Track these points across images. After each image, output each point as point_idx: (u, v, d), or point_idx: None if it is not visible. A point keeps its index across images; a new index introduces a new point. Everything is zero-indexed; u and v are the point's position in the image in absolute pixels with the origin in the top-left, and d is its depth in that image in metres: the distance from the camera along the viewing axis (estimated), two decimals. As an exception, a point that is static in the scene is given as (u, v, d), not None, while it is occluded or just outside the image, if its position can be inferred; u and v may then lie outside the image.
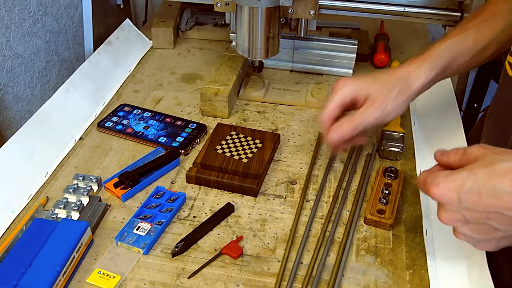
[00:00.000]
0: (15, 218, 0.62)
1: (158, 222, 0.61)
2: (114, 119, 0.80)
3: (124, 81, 0.92)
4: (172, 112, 0.82)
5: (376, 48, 0.98)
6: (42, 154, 0.71)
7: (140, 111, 0.82)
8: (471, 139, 0.75)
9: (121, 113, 0.81)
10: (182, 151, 0.73)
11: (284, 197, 0.66)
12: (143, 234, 0.59)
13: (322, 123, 0.62)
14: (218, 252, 0.58)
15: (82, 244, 0.56)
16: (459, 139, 0.72)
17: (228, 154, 0.69)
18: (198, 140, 0.76)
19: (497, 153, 0.44)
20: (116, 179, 0.67)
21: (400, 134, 0.75)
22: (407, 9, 0.86)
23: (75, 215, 0.61)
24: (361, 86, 0.60)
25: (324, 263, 0.57)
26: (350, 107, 0.62)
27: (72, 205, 0.62)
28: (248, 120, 0.82)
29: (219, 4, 0.81)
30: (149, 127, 0.78)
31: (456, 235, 0.48)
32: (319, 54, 0.93)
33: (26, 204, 0.64)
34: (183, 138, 0.76)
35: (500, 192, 0.42)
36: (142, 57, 1.00)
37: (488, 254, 0.53)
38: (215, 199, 0.66)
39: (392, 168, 0.68)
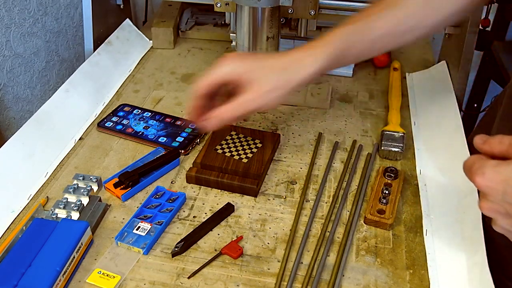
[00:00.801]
0: (15, 218, 0.62)
1: (158, 222, 0.61)
2: (114, 119, 0.80)
3: (124, 81, 0.92)
4: (172, 112, 0.82)
5: (376, 48, 0.98)
6: (42, 154, 0.71)
7: (140, 111, 0.82)
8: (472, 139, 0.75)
9: (121, 113, 0.81)
10: (182, 151, 0.73)
11: (284, 197, 0.66)
12: (143, 234, 0.59)
13: (194, 95, 0.59)
14: (218, 252, 0.58)
15: (82, 244, 0.56)
16: (459, 139, 0.71)
17: (228, 154, 0.69)
18: (198, 140, 0.76)
19: None
20: (116, 179, 0.67)
21: (400, 134, 0.75)
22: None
23: (75, 215, 0.61)
24: (246, 68, 0.57)
25: (324, 263, 0.57)
26: (231, 85, 0.59)
27: (72, 205, 0.62)
28: (248, 120, 0.82)
29: (219, 4, 0.81)
30: (149, 127, 0.78)
31: (494, 226, 0.46)
32: (319, 54, 0.92)
33: (26, 204, 0.64)
34: (183, 138, 0.76)
35: None
36: (142, 57, 1.00)
37: (492, 248, 0.53)
38: (215, 199, 0.66)
39: (392, 168, 0.68)
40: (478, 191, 0.45)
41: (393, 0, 0.59)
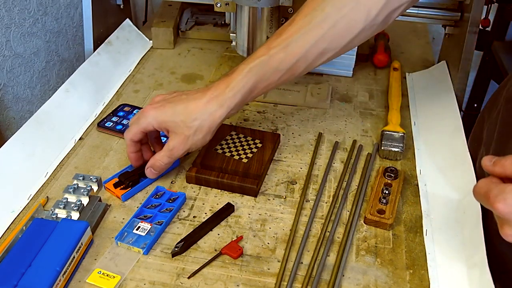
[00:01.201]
0: (15, 218, 0.62)
1: (158, 222, 0.61)
2: (114, 119, 0.80)
3: (124, 81, 0.92)
4: (172, 112, 0.82)
5: (376, 48, 0.98)
6: (42, 154, 0.71)
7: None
8: (473, 139, 0.75)
9: (121, 113, 0.81)
10: (182, 151, 0.73)
11: (284, 197, 0.66)
12: (143, 234, 0.59)
13: (127, 144, 0.65)
14: (218, 252, 0.58)
15: (82, 244, 0.56)
16: (459, 139, 0.72)
17: (228, 154, 0.69)
18: (198, 140, 0.76)
19: None
20: (116, 179, 0.67)
21: (400, 134, 0.75)
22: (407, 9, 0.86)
23: (75, 215, 0.61)
24: (160, 120, 0.61)
25: (324, 263, 0.57)
26: (153, 132, 0.66)
27: (72, 205, 0.62)
28: (248, 120, 0.82)
29: (219, 4, 0.81)
30: (149, 127, 0.78)
31: None
32: (319, 54, 0.92)
33: (26, 204, 0.64)
34: (183, 138, 0.75)
35: None
36: (142, 57, 1.00)
37: (490, 243, 0.52)
38: (215, 199, 0.66)
39: (392, 168, 0.68)
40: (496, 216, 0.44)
41: (298, 28, 0.59)
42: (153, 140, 0.68)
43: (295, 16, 0.61)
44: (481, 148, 0.72)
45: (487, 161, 0.46)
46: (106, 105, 0.85)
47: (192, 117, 0.60)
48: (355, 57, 0.92)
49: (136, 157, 0.66)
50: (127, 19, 1.04)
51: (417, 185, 0.68)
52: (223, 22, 1.08)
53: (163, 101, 0.62)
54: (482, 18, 1.12)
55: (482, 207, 0.58)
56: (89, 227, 0.57)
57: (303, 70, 0.61)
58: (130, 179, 0.66)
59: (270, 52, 0.59)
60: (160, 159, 0.63)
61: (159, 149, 0.66)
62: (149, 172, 0.65)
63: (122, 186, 0.65)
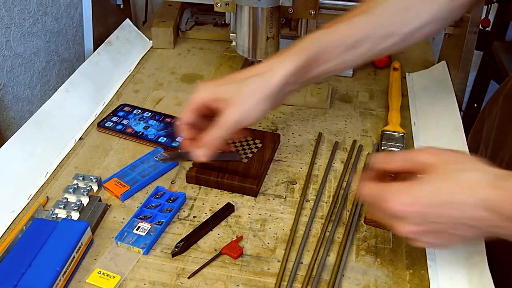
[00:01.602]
0: (15, 218, 0.62)
1: (158, 222, 0.61)
2: (114, 119, 0.80)
3: (124, 81, 0.92)
4: (172, 112, 0.82)
5: (376, 48, 0.98)
6: (42, 154, 0.71)
7: (140, 111, 0.82)
8: (472, 137, 0.75)
9: (121, 113, 0.81)
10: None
11: (284, 197, 0.66)
12: (143, 234, 0.59)
13: (179, 128, 0.59)
14: (218, 252, 0.58)
15: (82, 244, 0.56)
16: (459, 139, 0.71)
17: (228, 154, 0.69)
18: (198, 140, 0.76)
19: (450, 163, 0.45)
20: (115, 179, 0.67)
21: (400, 134, 0.75)
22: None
23: (75, 215, 0.61)
24: (216, 90, 0.56)
25: (324, 263, 0.57)
26: (212, 112, 0.58)
27: (72, 205, 0.62)
28: (248, 120, 0.81)
29: (219, 4, 0.81)
30: (149, 127, 0.78)
31: (414, 243, 0.48)
32: (319, 54, 0.92)
33: (26, 204, 0.64)
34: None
35: (461, 205, 0.43)
36: (142, 57, 1.00)
37: (494, 259, 0.53)
38: (215, 199, 0.66)
39: (392, 168, 0.67)
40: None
41: (367, 8, 0.58)
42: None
43: (361, 4, 0.59)
44: (480, 146, 0.72)
45: (379, 159, 0.50)
46: (106, 105, 0.85)
47: (244, 82, 0.55)
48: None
49: (191, 144, 0.59)
50: (127, 19, 1.04)
51: (417, 185, 0.68)
52: (223, 22, 1.08)
53: (214, 80, 0.58)
54: (482, 18, 1.12)
55: None
56: (89, 227, 0.57)
57: (366, 51, 0.58)
58: (190, 240, 0.59)
59: (334, 26, 0.57)
60: (210, 133, 0.55)
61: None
62: (199, 153, 0.57)
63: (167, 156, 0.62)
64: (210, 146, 0.56)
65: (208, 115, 0.59)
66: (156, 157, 0.69)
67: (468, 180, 0.43)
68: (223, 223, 0.62)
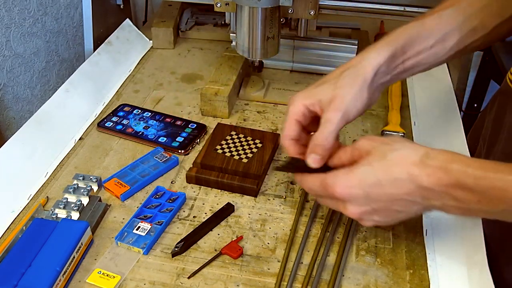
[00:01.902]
0: (15, 218, 0.62)
1: (158, 222, 0.61)
2: (114, 119, 0.80)
3: (124, 81, 0.92)
4: (172, 112, 0.82)
5: (376, 48, 0.98)
6: (42, 154, 0.71)
7: (140, 111, 0.82)
8: (473, 132, 0.75)
9: (121, 113, 0.81)
10: (182, 151, 0.73)
11: (284, 197, 0.66)
12: (143, 234, 0.59)
13: (285, 148, 0.56)
14: (218, 252, 0.58)
15: (82, 244, 0.56)
16: (459, 139, 0.72)
17: (228, 154, 0.69)
18: (198, 140, 0.76)
19: (386, 143, 0.48)
20: (115, 179, 0.67)
21: (400, 134, 0.75)
22: (407, 9, 0.86)
23: (75, 215, 0.61)
24: (308, 94, 0.55)
25: (324, 263, 0.56)
26: (312, 121, 0.56)
27: (72, 205, 0.62)
28: (248, 120, 0.82)
29: (219, 4, 0.81)
30: (149, 127, 0.78)
31: (364, 223, 0.51)
32: (319, 54, 0.92)
33: (26, 204, 0.64)
34: (183, 138, 0.76)
35: (399, 181, 0.46)
36: (142, 57, 1.00)
37: (491, 258, 0.53)
38: (215, 199, 0.66)
39: (392, 168, 0.67)
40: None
41: (454, 2, 0.58)
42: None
43: None
44: (479, 142, 0.72)
45: (312, 157, 0.52)
46: (106, 105, 0.85)
47: (342, 75, 0.54)
48: (355, 56, 0.92)
49: (297, 150, 0.56)
50: (127, 19, 1.04)
51: (417, 185, 0.68)
52: (223, 22, 1.08)
53: (304, 90, 0.56)
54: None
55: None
56: (89, 227, 0.57)
57: (454, 44, 0.58)
58: (190, 240, 0.59)
59: (424, 19, 0.57)
60: (318, 136, 0.52)
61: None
62: (312, 159, 0.53)
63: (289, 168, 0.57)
64: (323, 148, 0.52)
65: (308, 128, 0.57)
66: (277, 167, 0.59)
67: (399, 157, 0.46)
68: (223, 223, 0.62)
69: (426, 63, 0.58)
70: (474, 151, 0.69)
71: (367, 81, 0.53)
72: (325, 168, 0.53)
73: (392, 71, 0.56)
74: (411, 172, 0.45)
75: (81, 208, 0.62)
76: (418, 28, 0.57)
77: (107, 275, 0.54)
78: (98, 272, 0.55)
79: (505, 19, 0.58)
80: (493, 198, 0.43)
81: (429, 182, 0.45)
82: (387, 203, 0.48)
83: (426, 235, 0.60)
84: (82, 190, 0.64)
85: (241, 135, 0.73)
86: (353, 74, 0.54)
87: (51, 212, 0.61)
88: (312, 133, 0.56)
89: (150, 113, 0.81)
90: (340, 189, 0.48)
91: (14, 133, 0.70)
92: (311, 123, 0.56)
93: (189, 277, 0.55)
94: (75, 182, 0.66)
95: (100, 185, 0.67)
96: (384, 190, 0.47)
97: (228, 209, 0.63)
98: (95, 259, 0.57)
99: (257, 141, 0.72)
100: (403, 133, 0.75)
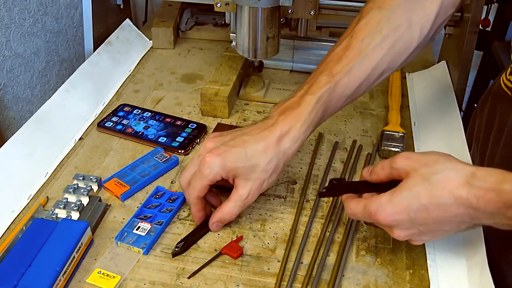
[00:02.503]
0: (15, 218, 0.62)
1: (158, 222, 0.61)
2: (114, 119, 0.80)
3: (124, 81, 0.92)
4: (172, 112, 0.82)
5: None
6: (42, 154, 0.71)
7: (140, 111, 0.82)
8: (468, 135, 0.75)
9: (121, 113, 0.81)
10: (182, 151, 0.73)
11: (284, 197, 0.66)
12: (143, 234, 0.59)
13: (193, 204, 0.59)
14: (218, 252, 0.58)
15: (82, 244, 0.56)
16: (459, 139, 0.72)
17: (228, 154, 0.69)
18: (198, 140, 0.76)
19: (426, 164, 0.48)
20: (116, 179, 0.67)
21: (400, 134, 0.75)
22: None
23: (75, 215, 0.61)
24: (228, 168, 0.55)
25: (324, 263, 0.56)
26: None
27: (72, 205, 0.62)
28: (248, 120, 0.82)
29: (219, 4, 0.81)
30: (149, 127, 0.78)
31: (414, 243, 0.52)
32: (319, 54, 0.92)
33: (26, 204, 0.64)
34: (183, 138, 0.76)
35: (441, 205, 0.46)
36: (142, 57, 1.00)
37: (492, 261, 0.53)
38: (215, 199, 0.66)
39: (392, 168, 0.67)
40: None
41: (358, 52, 0.58)
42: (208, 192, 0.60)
43: (349, 40, 0.59)
44: (473, 144, 0.72)
45: (365, 172, 0.54)
46: (106, 105, 0.85)
47: (266, 159, 0.55)
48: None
49: (202, 215, 0.60)
50: (127, 19, 1.04)
51: (417, 185, 0.68)
52: (223, 22, 1.08)
53: (223, 146, 0.56)
54: (482, 18, 1.12)
55: None
56: (89, 227, 0.57)
57: (363, 92, 0.60)
58: (190, 240, 0.59)
59: (334, 79, 0.57)
60: (230, 211, 0.57)
61: (216, 200, 0.62)
62: (215, 226, 0.59)
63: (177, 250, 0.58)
64: (228, 221, 0.59)
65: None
66: (320, 192, 0.60)
67: (442, 181, 0.46)
68: (223, 223, 0.62)
69: (337, 111, 0.61)
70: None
71: (286, 163, 0.57)
72: (367, 185, 0.54)
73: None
74: (458, 195, 0.45)
75: (81, 208, 0.62)
76: (331, 95, 0.58)
77: (107, 275, 0.54)
78: (98, 272, 0.55)
79: (409, 53, 0.60)
80: None
81: (479, 204, 0.44)
82: (435, 225, 0.48)
83: (426, 235, 0.60)
84: (82, 190, 0.64)
85: (241, 135, 0.73)
86: (278, 163, 0.56)
87: (51, 212, 0.61)
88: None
89: (150, 113, 0.81)
90: (384, 216, 0.48)
91: (14, 133, 0.70)
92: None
93: (189, 277, 0.55)
94: (75, 182, 0.66)
95: (100, 185, 0.67)
96: (430, 214, 0.47)
97: None
98: (95, 259, 0.57)
99: (257, 141, 0.72)
100: (403, 133, 0.75)
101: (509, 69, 0.66)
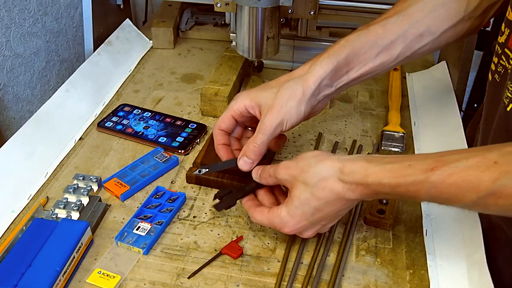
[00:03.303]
0: (15, 218, 0.62)
1: (158, 222, 0.61)
2: (114, 119, 0.80)
3: (124, 81, 0.92)
4: (172, 112, 0.82)
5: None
6: (42, 154, 0.71)
7: (140, 111, 0.82)
8: (471, 127, 0.75)
9: (121, 113, 0.81)
10: (182, 151, 0.73)
11: (284, 197, 0.66)
12: (143, 234, 0.59)
13: (214, 135, 0.60)
14: (218, 252, 0.58)
15: (82, 244, 0.56)
16: (459, 139, 0.71)
17: (228, 154, 0.69)
18: (198, 140, 0.76)
19: (303, 171, 0.51)
20: (116, 179, 0.67)
21: (400, 134, 0.75)
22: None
23: (75, 215, 0.61)
24: (251, 96, 0.57)
25: (324, 263, 0.57)
26: (248, 121, 0.61)
27: (72, 205, 0.62)
28: (248, 120, 0.82)
29: (219, 4, 0.81)
30: (149, 127, 0.78)
31: (321, 232, 0.57)
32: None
33: (26, 204, 0.64)
34: (183, 138, 0.76)
35: (330, 202, 0.50)
36: (142, 57, 1.00)
37: (489, 257, 0.53)
38: (215, 199, 0.66)
39: (392, 168, 0.67)
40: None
41: (401, 8, 0.59)
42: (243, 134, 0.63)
43: (391, 8, 0.60)
44: (477, 134, 0.72)
45: (254, 174, 0.57)
46: (106, 105, 0.85)
47: (284, 85, 0.56)
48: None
49: (226, 149, 0.60)
50: (127, 19, 1.04)
51: (417, 185, 0.68)
52: (223, 22, 1.08)
53: (247, 90, 0.59)
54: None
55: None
56: (89, 227, 0.57)
57: (401, 52, 0.59)
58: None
59: (368, 27, 0.58)
60: (252, 140, 0.56)
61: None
62: (243, 162, 0.56)
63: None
64: (255, 152, 0.56)
65: (243, 125, 0.62)
66: (215, 206, 0.58)
67: (321, 182, 0.50)
68: (223, 223, 0.62)
69: (373, 72, 0.59)
70: (473, 140, 0.70)
71: (307, 95, 0.56)
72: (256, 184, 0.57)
73: (336, 84, 0.59)
74: (337, 191, 0.49)
75: (81, 208, 0.62)
76: (361, 38, 0.58)
77: (107, 275, 0.54)
78: (98, 272, 0.55)
79: (453, 24, 0.59)
80: (410, 198, 0.48)
81: (355, 196, 0.49)
82: (331, 217, 0.53)
83: (426, 235, 0.60)
84: (82, 190, 0.64)
85: (241, 135, 0.73)
86: (294, 86, 0.56)
87: (51, 212, 0.61)
88: (249, 128, 0.63)
89: (150, 113, 0.81)
90: (289, 229, 0.53)
91: (14, 133, 0.70)
92: (250, 121, 0.61)
93: (189, 277, 0.55)
94: (75, 182, 0.66)
95: (100, 185, 0.67)
96: (324, 212, 0.51)
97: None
98: (95, 259, 0.57)
99: (257, 141, 0.72)
100: (403, 133, 0.75)
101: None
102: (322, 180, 0.50)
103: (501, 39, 0.57)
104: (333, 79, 0.58)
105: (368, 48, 0.58)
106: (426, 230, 0.61)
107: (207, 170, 0.59)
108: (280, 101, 0.55)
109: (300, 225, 0.53)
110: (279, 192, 0.58)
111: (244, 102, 0.58)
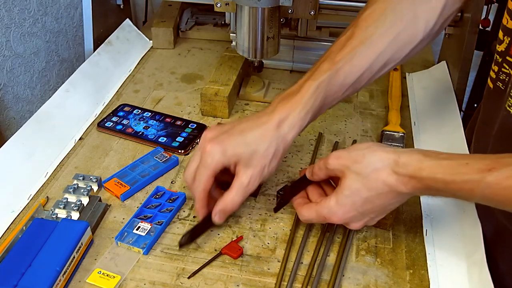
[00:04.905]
0: (15, 218, 0.62)
1: (158, 222, 0.61)
2: (114, 119, 0.80)
3: (124, 81, 0.92)
4: (172, 112, 0.82)
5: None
6: (42, 154, 0.71)
7: (140, 111, 0.82)
8: (469, 129, 0.75)
9: (121, 113, 0.81)
10: (182, 151, 0.73)
11: (284, 197, 0.66)
12: (143, 234, 0.59)
13: (199, 199, 0.57)
14: (218, 252, 0.58)
15: (82, 244, 0.56)
16: (459, 139, 0.71)
17: (228, 154, 0.69)
18: (198, 140, 0.76)
19: (356, 161, 0.52)
20: (116, 179, 0.67)
21: (400, 134, 0.75)
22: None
23: (75, 215, 0.61)
24: (228, 154, 0.55)
25: (324, 263, 0.56)
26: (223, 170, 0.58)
27: (72, 205, 0.62)
28: (248, 120, 0.81)
29: (219, 4, 0.81)
30: (149, 127, 0.78)
31: (369, 225, 0.56)
32: (319, 54, 0.92)
33: (26, 204, 0.64)
34: (183, 138, 0.76)
35: (382, 194, 0.51)
36: (142, 57, 1.00)
37: (490, 258, 0.53)
38: (215, 199, 0.66)
39: (392, 168, 0.67)
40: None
41: (360, 40, 0.58)
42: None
43: (353, 29, 0.58)
44: (472, 137, 0.72)
45: (308, 174, 0.58)
46: (106, 105, 0.85)
47: (265, 144, 0.54)
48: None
49: (206, 212, 0.58)
50: (127, 19, 1.04)
51: (417, 185, 0.68)
52: (223, 22, 1.08)
53: (223, 134, 0.56)
54: (482, 18, 1.12)
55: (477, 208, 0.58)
56: (89, 227, 0.57)
57: (366, 82, 0.60)
58: (197, 233, 0.59)
59: (335, 67, 0.57)
60: (232, 199, 0.56)
61: (218, 193, 0.60)
62: (218, 217, 0.57)
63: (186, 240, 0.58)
64: (232, 211, 0.57)
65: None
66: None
67: (374, 173, 0.50)
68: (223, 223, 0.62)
69: (339, 101, 0.61)
70: (470, 143, 0.70)
71: (286, 149, 0.57)
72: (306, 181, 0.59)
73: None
74: (389, 183, 0.50)
75: (81, 208, 0.62)
76: (331, 82, 0.57)
77: (107, 275, 0.54)
78: (98, 272, 0.55)
79: (413, 46, 0.59)
80: (462, 197, 0.48)
81: (407, 189, 0.50)
82: (381, 210, 0.53)
83: (426, 235, 0.60)
84: (82, 190, 0.64)
85: (241, 135, 0.73)
86: (278, 148, 0.56)
87: (51, 212, 0.61)
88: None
89: (150, 113, 0.81)
90: (337, 218, 0.53)
91: (14, 133, 0.70)
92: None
93: (189, 277, 0.55)
94: (75, 182, 0.66)
95: (100, 185, 0.67)
96: (374, 204, 0.52)
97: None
98: (95, 259, 0.57)
99: (257, 141, 0.72)
100: (403, 133, 0.75)
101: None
102: (375, 171, 0.50)
103: (500, 48, 0.57)
104: (307, 124, 0.58)
105: (337, 88, 0.58)
106: (426, 230, 0.61)
107: (188, 235, 0.57)
108: (264, 163, 0.55)
109: (349, 215, 0.53)
110: (328, 186, 0.59)
111: (222, 160, 0.55)
